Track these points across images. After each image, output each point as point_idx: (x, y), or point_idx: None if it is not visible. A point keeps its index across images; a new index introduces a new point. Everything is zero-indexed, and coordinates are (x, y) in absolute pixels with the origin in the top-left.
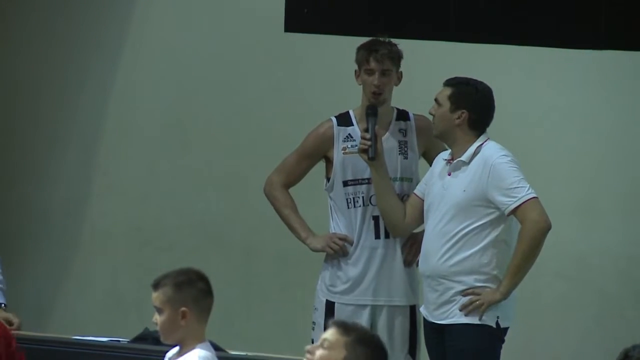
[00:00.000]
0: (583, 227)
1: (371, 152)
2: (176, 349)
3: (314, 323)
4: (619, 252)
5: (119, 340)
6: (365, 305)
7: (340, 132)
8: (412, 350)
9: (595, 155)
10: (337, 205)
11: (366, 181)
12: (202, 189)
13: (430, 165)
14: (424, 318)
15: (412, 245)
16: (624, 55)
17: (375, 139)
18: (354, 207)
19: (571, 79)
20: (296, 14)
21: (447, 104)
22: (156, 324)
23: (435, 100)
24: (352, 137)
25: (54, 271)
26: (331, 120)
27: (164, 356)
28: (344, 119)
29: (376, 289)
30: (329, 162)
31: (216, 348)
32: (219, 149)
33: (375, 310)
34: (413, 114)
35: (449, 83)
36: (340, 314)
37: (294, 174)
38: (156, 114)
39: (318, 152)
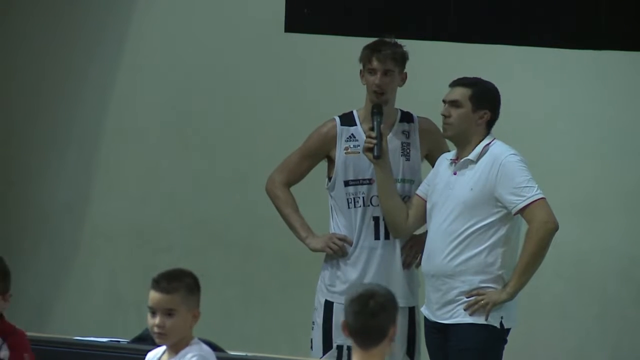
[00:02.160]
0: (584, 226)
1: (376, 151)
2: (161, 349)
3: (313, 322)
4: (620, 252)
5: (118, 341)
6: None
7: (343, 131)
8: (411, 351)
9: (596, 155)
10: (338, 205)
11: (367, 181)
12: (202, 189)
13: (433, 167)
14: (425, 318)
15: (411, 247)
16: (624, 55)
17: (380, 137)
18: (354, 207)
19: (571, 79)
20: (296, 14)
21: (468, 105)
22: (161, 326)
23: (453, 101)
24: (354, 137)
25: (54, 271)
26: (334, 119)
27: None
28: (347, 119)
29: None
30: (331, 161)
31: (215, 348)
32: (219, 149)
33: None
34: (417, 116)
35: (462, 83)
36: (339, 313)
37: (295, 172)
38: (156, 114)
39: (321, 152)
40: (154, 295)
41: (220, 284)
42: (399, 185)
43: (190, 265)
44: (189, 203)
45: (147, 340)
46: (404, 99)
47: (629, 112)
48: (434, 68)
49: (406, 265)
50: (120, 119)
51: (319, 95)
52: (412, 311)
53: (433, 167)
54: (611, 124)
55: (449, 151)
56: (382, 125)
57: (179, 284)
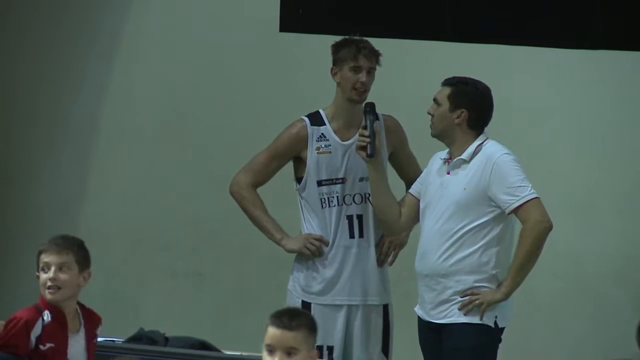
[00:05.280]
0: (580, 227)
1: (370, 150)
2: None
3: None
4: (616, 252)
5: (113, 340)
6: (341, 305)
7: (314, 131)
8: (385, 348)
9: (593, 156)
10: (310, 205)
11: (340, 181)
12: (199, 189)
13: (395, 168)
14: (418, 318)
15: (384, 244)
16: (623, 55)
17: (374, 136)
18: (329, 206)
19: (571, 79)
20: (291, 14)
21: (446, 104)
22: None
23: (434, 100)
24: (325, 136)
25: None
26: (303, 120)
27: None
28: (315, 119)
29: (351, 288)
30: (300, 162)
31: (211, 348)
32: (215, 149)
33: (350, 309)
34: (382, 114)
35: (447, 82)
36: (316, 314)
37: (263, 173)
38: (152, 114)
39: (291, 153)
40: (274, 332)
41: (216, 283)
42: (363, 183)
43: (186, 265)
44: (185, 203)
45: (141, 340)
46: (401, 98)
47: (627, 113)
48: (431, 68)
49: (380, 262)
50: (116, 118)
51: (313, 95)
52: (386, 309)
53: (394, 166)
54: (609, 124)
55: (411, 152)
56: (374, 124)
57: (302, 321)
